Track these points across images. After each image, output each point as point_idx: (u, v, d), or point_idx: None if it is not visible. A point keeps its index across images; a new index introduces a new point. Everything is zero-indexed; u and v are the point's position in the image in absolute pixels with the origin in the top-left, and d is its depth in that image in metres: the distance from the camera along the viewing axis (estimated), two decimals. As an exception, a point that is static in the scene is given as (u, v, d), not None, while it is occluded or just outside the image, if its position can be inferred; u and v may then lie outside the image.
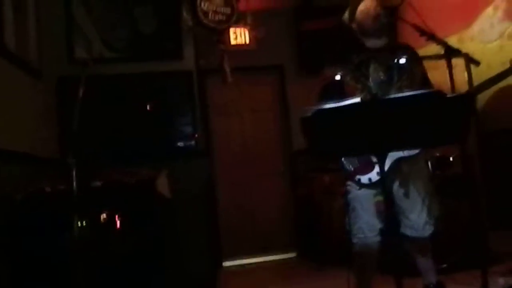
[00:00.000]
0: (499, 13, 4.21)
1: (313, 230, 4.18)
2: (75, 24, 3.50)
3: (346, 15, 2.37)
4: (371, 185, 2.21)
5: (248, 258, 4.56)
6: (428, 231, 2.22)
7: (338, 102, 1.58)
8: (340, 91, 2.28)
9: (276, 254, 4.61)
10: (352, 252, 2.31)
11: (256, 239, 4.62)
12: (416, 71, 2.25)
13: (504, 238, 3.53)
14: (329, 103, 1.81)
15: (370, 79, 2.25)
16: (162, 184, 2.81)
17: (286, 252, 4.65)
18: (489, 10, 4.42)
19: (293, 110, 4.69)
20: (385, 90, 2.21)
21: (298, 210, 4.63)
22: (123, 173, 2.68)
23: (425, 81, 2.25)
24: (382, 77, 2.24)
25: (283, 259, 4.59)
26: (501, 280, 2.51)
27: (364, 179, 2.23)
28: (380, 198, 2.18)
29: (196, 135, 3.49)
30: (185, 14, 3.57)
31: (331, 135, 1.55)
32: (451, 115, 1.44)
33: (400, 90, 2.19)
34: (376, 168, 2.17)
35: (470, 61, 2.23)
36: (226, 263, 4.49)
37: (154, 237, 2.65)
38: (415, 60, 2.27)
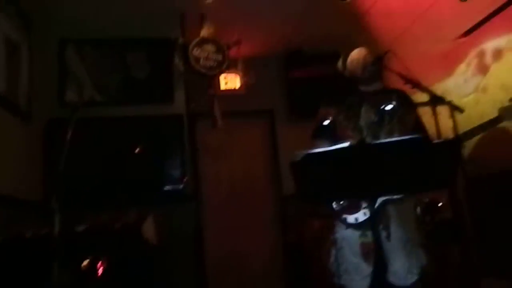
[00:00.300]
0: (472, 68, 4.50)
1: (304, 276, 4.07)
2: (67, 68, 3.56)
3: (340, 63, 2.47)
4: (357, 225, 2.20)
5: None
6: (410, 279, 2.16)
7: (328, 145, 1.60)
8: (333, 131, 2.34)
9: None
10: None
11: (246, 285, 4.48)
12: (407, 116, 2.29)
13: (501, 286, 3.47)
14: (321, 145, 1.82)
15: (361, 119, 2.30)
16: (149, 229, 2.74)
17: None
18: (462, 66, 4.73)
19: (283, 155, 4.70)
20: (375, 132, 2.25)
21: (288, 255, 4.53)
22: (109, 217, 2.62)
23: (417, 127, 2.30)
24: (373, 119, 2.29)
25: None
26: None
27: (350, 218, 2.22)
28: (365, 239, 2.16)
29: (185, 179, 3.46)
30: (177, 60, 3.65)
31: (319, 180, 1.54)
32: (439, 160, 1.46)
33: (390, 133, 2.23)
34: (363, 208, 2.16)
35: (454, 108, 2.28)
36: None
37: (140, 283, 2.55)
38: (408, 105, 2.33)
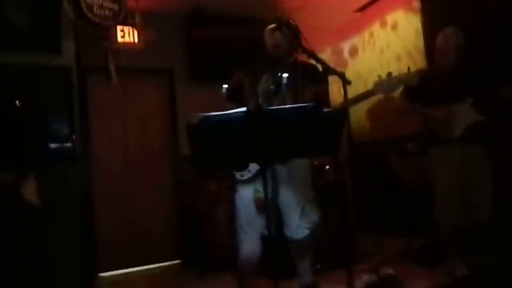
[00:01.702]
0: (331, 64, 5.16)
1: (198, 238, 4.16)
2: None
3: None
4: (249, 181, 2.32)
5: (129, 268, 4.33)
6: (301, 234, 2.35)
7: (226, 111, 1.62)
8: (240, 95, 2.38)
9: (159, 263, 4.46)
10: (236, 255, 2.37)
11: (138, 250, 4.39)
12: (305, 89, 2.36)
13: (371, 240, 3.97)
14: (231, 108, 1.85)
15: (259, 86, 2.38)
16: (29, 189, 2.53)
17: (170, 261, 4.52)
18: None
19: (181, 117, 4.61)
20: (269, 99, 2.34)
21: (183, 218, 4.55)
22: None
23: (316, 100, 2.39)
24: (270, 87, 2.37)
25: (166, 268, 4.46)
26: (365, 277, 2.80)
27: (238, 175, 2.35)
28: (258, 194, 2.29)
29: (73, 137, 3.21)
30: (66, 6, 3.29)
31: (215, 143, 1.56)
32: (324, 129, 1.57)
33: (282, 101, 2.33)
34: (250, 165, 2.26)
35: (344, 79, 2.43)
36: (104, 274, 4.19)
37: (19, 249, 2.37)
38: (309, 79, 2.38)
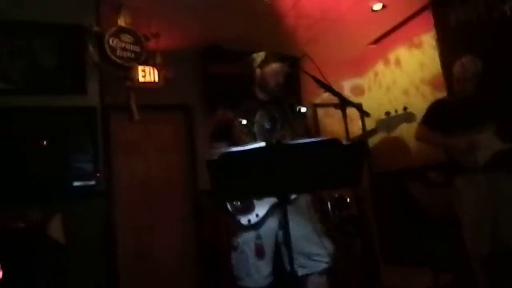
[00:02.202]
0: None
1: (218, 271, 4.12)
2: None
3: (258, 58, 2.49)
4: (252, 227, 2.26)
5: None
6: (319, 266, 2.25)
7: (227, 147, 1.63)
8: (231, 134, 2.38)
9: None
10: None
11: (159, 283, 4.39)
12: (298, 125, 2.41)
13: (396, 273, 3.86)
14: (220, 147, 1.86)
15: (255, 125, 2.38)
16: (56, 228, 2.58)
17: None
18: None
19: (200, 150, 4.68)
20: (267, 137, 2.34)
21: (203, 250, 4.53)
22: (11, 216, 2.41)
23: (308, 134, 2.44)
24: (266, 126, 2.39)
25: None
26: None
27: (244, 220, 2.26)
28: (257, 241, 2.23)
29: (98, 175, 3.28)
30: (91, 49, 3.45)
31: (236, 178, 1.58)
32: (346, 161, 1.57)
33: (281, 137, 2.34)
34: (256, 210, 2.24)
35: (362, 112, 2.46)
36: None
37: (44, 286, 2.39)
38: (299, 115, 2.46)
